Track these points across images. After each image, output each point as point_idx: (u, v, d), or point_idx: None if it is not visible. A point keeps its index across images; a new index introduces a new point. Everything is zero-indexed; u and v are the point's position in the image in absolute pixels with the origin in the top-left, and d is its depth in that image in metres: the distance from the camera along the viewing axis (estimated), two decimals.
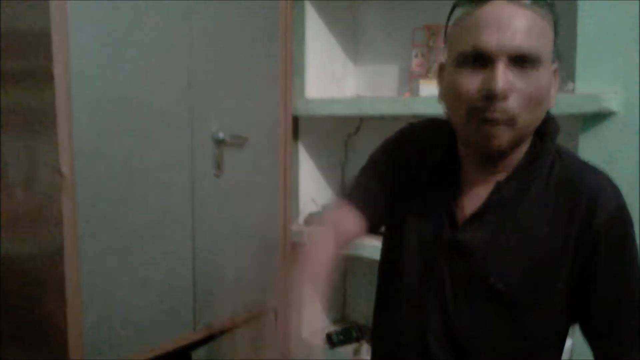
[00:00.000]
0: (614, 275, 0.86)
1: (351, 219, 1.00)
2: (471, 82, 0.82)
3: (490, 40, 0.80)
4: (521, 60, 0.80)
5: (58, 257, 1.32)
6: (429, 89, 1.83)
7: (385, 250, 1.06)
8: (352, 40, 2.26)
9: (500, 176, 0.90)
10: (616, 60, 1.45)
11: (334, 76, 2.20)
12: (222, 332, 1.77)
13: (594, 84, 1.47)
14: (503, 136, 0.82)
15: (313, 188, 2.20)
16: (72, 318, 1.34)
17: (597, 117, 1.47)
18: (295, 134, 2.08)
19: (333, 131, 2.25)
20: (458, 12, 0.86)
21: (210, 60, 1.64)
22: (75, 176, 1.32)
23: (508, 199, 0.89)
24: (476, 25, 0.81)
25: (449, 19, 0.89)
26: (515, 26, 0.80)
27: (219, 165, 1.68)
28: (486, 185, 0.91)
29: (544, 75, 0.82)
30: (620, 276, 0.86)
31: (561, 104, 1.47)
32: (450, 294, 0.92)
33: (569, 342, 1.54)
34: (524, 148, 0.90)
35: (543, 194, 0.88)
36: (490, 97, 0.80)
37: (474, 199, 0.92)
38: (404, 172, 1.01)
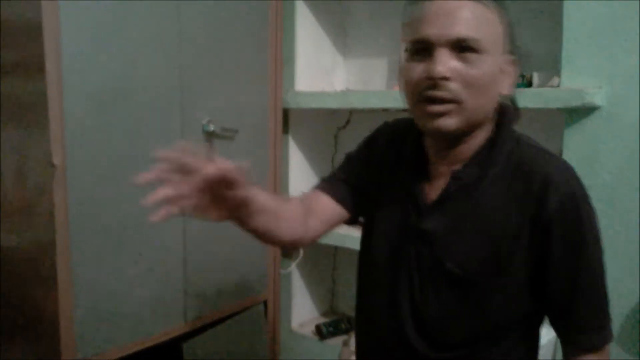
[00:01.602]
0: (569, 258, 0.89)
1: (320, 200, 1.08)
2: (417, 70, 0.88)
3: (431, 30, 0.86)
4: (462, 47, 0.86)
5: (50, 249, 1.32)
6: None
7: (361, 243, 1.11)
8: (342, 34, 2.27)
9: (460, 165, 0.94)
10: (600, 56, 1.47)
11: (324, 69, 2.21)
12: (213, 324, 1.78)
13: (579, 79, 1.50)
14: (450, 116, 0.87)
15: (303, 181, 2.21)
16: (63, 310, 1.34)
17: (582, 112, 1.50)
18: (285, 127, 2.09)
19: (323, 124, 2.27)
20: (409, 10, 0.92)
21: (200, 53, 1.64)
22: (67, 167, 1.32)
23: (465, 186, 0.93)
24: (421, 18, 0.88)
25: (403, 17, 0.94)
26: (456, 16, 0.86)
27: (209, 158, 1.68)
28: (448, 175, 0.95)
29: (488, 61, 0.87)
30: (576, 259, 0.89)
31: (547, 98, 1.50)
32: (417, 280, 0.96)
33: (551, 334, 1.56)
34: (482, 137, 0.94)
35: (500, 180, 0.91)
36: (431, 80, 0.86)
37: (437, 188, 0.96)
38: (376, 166, 1.07)
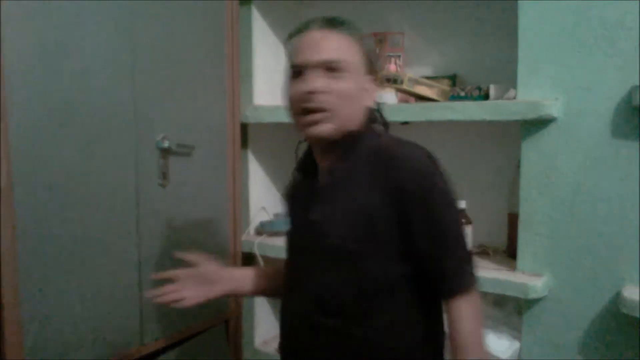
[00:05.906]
0: (425, 219, 1.07)
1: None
2: (295, 88, 1.13)
3: (302, 56, 1.12)
4: (329, 68, 1.09)
5: None
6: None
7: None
8: None
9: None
10: (556, 68, 1.50)
11: (282, 83, 2.19)
12: (172, 345, 1.73)
13: (535, 91, 1.52)
14: (324, 123, 1.09)
15: (263, 196, 2.18)
16: (11, 335, 1.28)
17: (539, 123, 1.51)
18: (245, 142, 2.06)
19: (283, 138, 2.24)
20: (289, 43, 1.17)
21: (154, 69, 1.61)
22: (14, 187, 1.27)
23: (337, 178, 1.14)
24: (296, 48, 1.14)
25: (285, 49, 1.19)
26: (322, 44, 1.11)
27: (164, 175, 1.64)
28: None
29: (351, 78, 1.11)
30: (431, 220, 1.08)
31: (504, 110, 1.51)
32: (310, 261, 1.16)
33: (517, 344, 1.57)
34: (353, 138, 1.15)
35: (363, 166, 1.12)
36: (303, 94, 1.09)
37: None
38: (293, 185, 1.32)
